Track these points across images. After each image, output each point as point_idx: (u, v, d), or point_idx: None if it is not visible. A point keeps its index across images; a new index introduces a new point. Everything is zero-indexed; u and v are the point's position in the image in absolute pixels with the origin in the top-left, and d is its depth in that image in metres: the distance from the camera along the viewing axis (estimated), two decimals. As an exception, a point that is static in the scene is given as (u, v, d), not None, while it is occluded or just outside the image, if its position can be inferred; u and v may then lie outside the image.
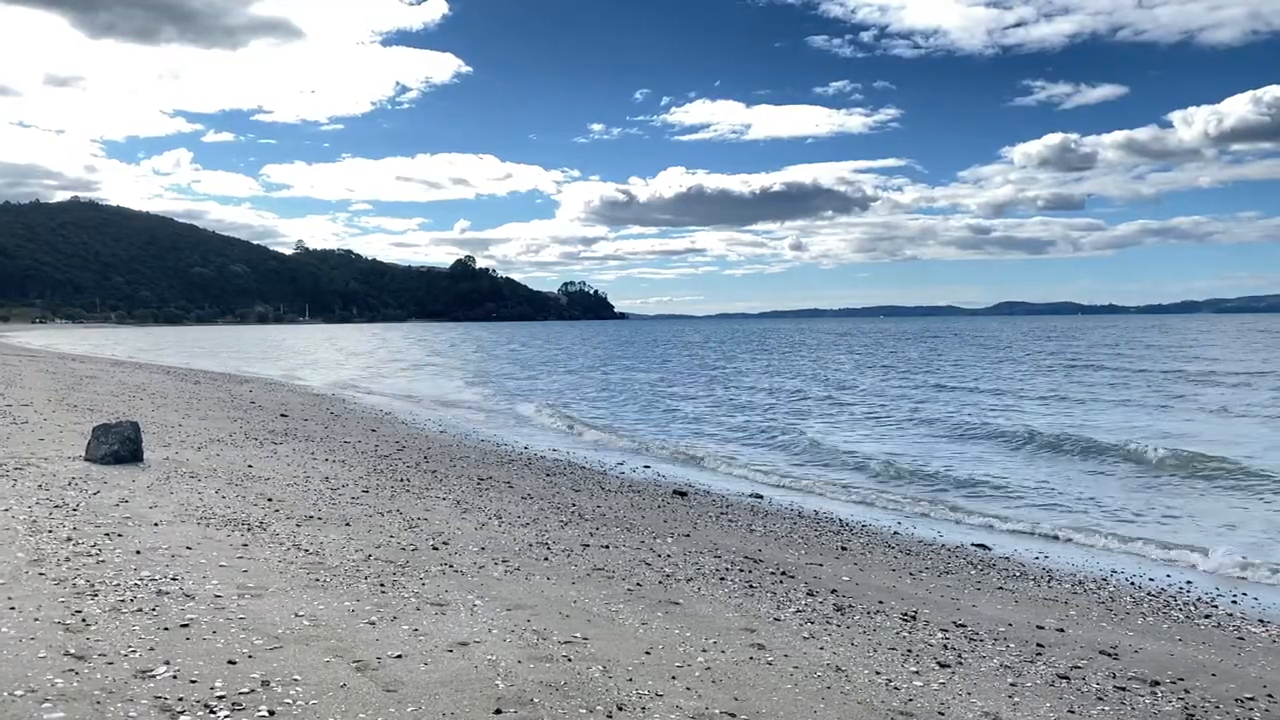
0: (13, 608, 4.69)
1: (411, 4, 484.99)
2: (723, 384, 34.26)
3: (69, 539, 6.19)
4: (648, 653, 4.90)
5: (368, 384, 33.04)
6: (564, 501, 10.30)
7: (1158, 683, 5.32)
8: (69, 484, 8.20)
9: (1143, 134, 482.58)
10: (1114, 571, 8.78)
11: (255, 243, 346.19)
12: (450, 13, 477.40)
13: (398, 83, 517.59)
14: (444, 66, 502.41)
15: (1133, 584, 8.30)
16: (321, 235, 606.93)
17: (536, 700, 4.11)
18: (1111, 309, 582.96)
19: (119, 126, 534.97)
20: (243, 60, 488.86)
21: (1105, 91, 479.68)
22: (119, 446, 9.65)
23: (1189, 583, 8.43)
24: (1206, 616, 7.26)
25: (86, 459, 9.60)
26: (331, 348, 73.41)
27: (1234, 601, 7.83)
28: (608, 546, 7.87)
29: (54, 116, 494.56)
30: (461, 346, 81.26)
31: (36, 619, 4.56)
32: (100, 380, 23.28)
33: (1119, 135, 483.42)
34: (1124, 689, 5.15)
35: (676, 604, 6.08)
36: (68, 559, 5.69)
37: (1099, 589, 8.00)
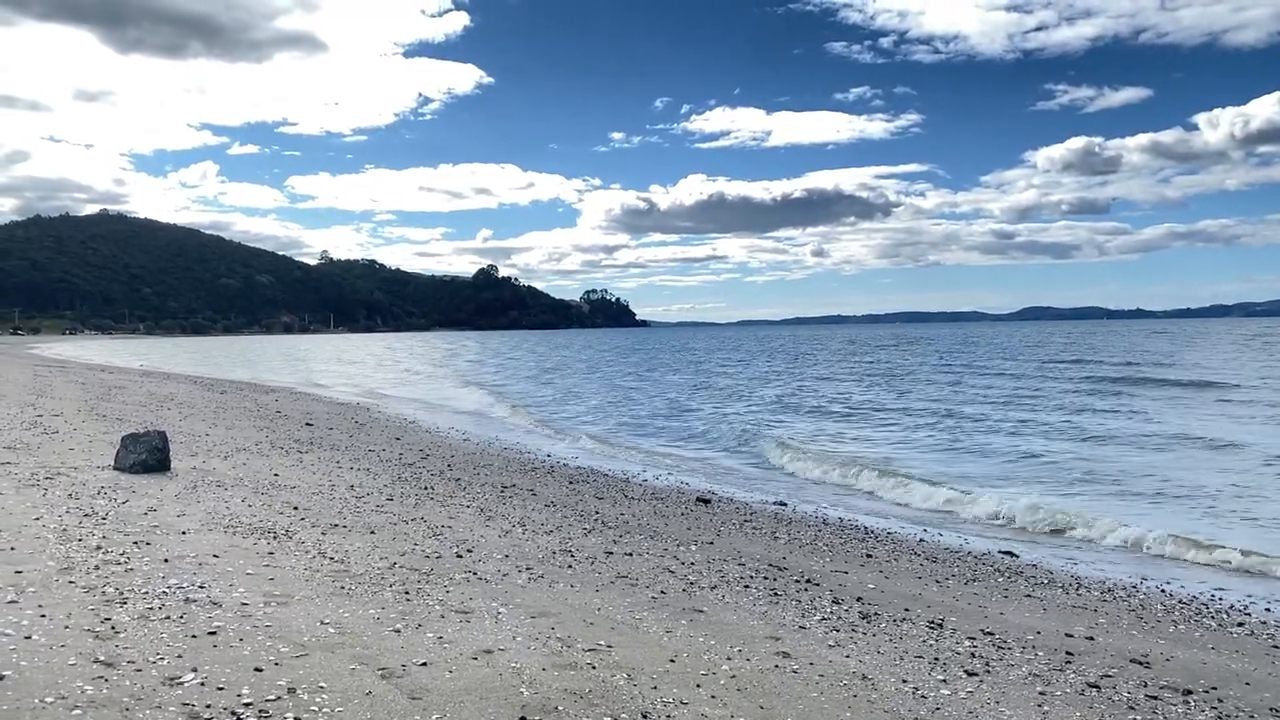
0: (44, 615, 4.74)
1: (433, 16, 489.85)
2: (618, 393, 35.39)
3: (98, 547, 6.25)
4: (672, 661, 4.89)
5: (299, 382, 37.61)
6: (587, 509, 10.30)
7: (1190, 691, 5.24)
8: (98, 493, 8.29)
9: (1167, 137, 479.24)
10: (1144, 579, 8.67)
11: (280, 253, 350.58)
12: (471, 24, 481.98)
13: (420, 94, 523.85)
14: (465, 77, 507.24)
15: (1163, 592, 8.19)
16: (346, 245, 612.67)
17: (561, 708, 4.10)
18: (1139, 313, 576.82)
19: (147, 140, 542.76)
20: (267, 73, 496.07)
21: (1128, 94, 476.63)
22: (147, 456, 9.75)
23: (1220, 591, 8.31)
24: (1240, 625, 7.15)
25: (115, 468, 9.71)
26: (316, 356, 77.40)
27: (1268, 609, 7.70)
28: (631, 554, 7.86)
29: (83, 131, 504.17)
30: (437, 353, 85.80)
31: (67, 626, 4.60)
32: (129, 390, 23.54)
33: (1143, 138, 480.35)
34: (1156, 698, 5.08)
35: (701, 612, 6.05)
36: (97, 567, 5.75)
37: (1129, 596, 7.90)
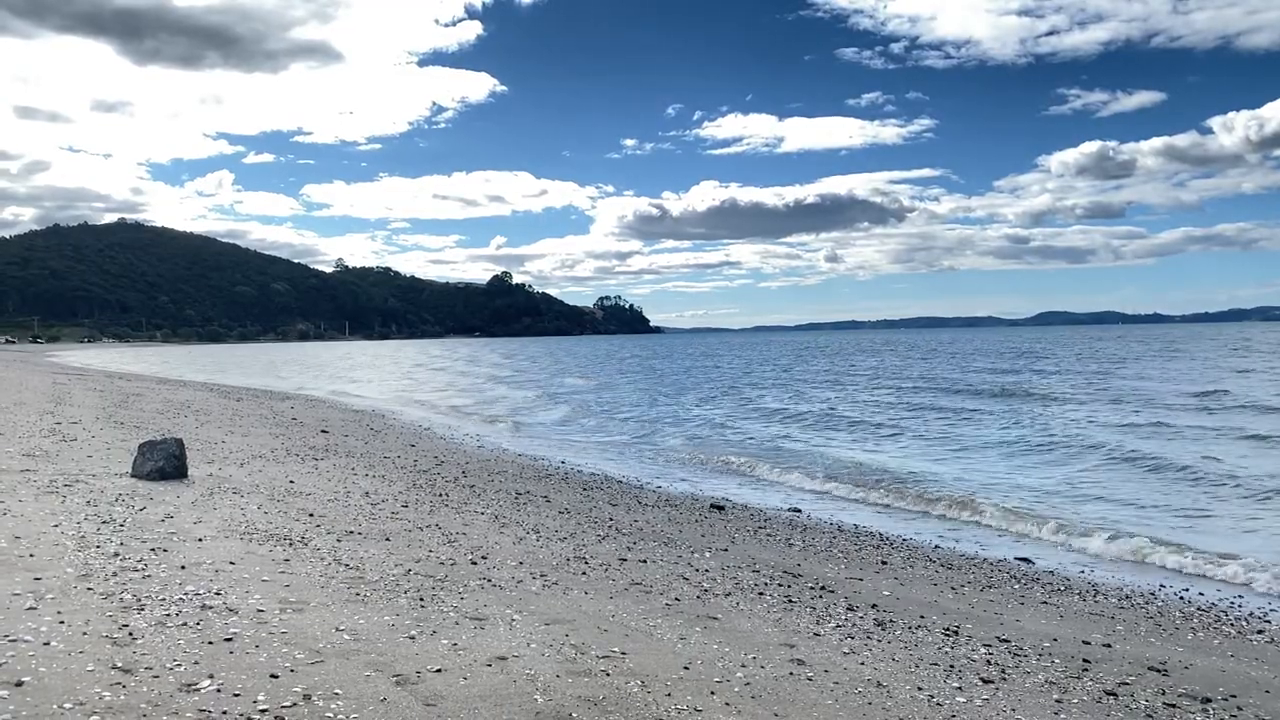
0: (62, 622, 4.78)
1: (446, 25, 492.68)
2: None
3: (116, 554, 6.30)
4: (686, 668, 4.88)
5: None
6: (601, 515, 10.30)
7: (1209, 700, 5.19)
8: (116, 500, 8.35)
9: (1182, 140, 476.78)
10: (1162, 585, 8.60)
11: (296, 261, 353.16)
12: (484, 33, 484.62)
13: (434, 103, 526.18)
14: (479, 86, 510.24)
15: (1181, 599, 8.13)
16: (361, 253, 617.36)
17: (575, 715, 4.10)
18: (1156, 318, 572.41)
19: (164, 150, 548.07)
20: (283, 83, 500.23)
21: (1142, 98, 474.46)
22: (164, 463, 9.82)
23: (1240, 598, 8.24)
24: (1259, 632, 7.08)
25: (133, 475, 9.77)
26: (308, 360, 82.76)
27: (1288, 616, 7.62)
28: (645, 561, 7.86)
29: (102, 141, 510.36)
30: (400, 356, 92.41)
31: (85, 633, 4.64)
32: (146, 398, 23.71)
33: (1158, 142, 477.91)
34: (1174, 706, 5.04)
35: (715, 619, 6.05)
36: (115, 574, 5.79)
37: (1147, 604, 7.84)
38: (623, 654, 5.01)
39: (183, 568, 6.08)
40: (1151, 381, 36.11)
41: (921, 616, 6.69)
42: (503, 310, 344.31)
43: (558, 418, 27.16)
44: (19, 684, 3.94)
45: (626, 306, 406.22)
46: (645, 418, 26.37)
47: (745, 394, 34.94)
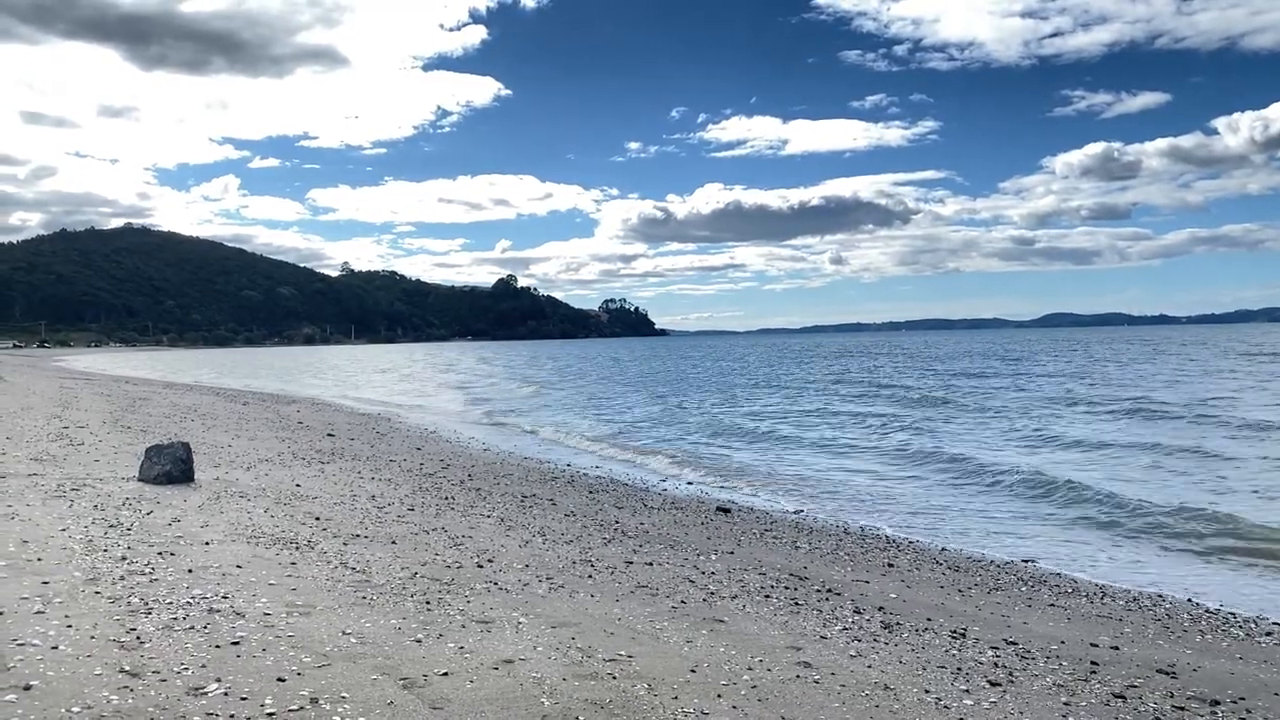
0: (70, 625, 4.79)
1: (451, 30, 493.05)
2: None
3: (123, 558, 6.31)
4: (693, 671, 4.88)
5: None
6: (607, 518, 10.30)
7: (1218, 702, 5.17)
8: (123, 504, 8.37)
9: (1187, 141, 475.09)
10: (1167, 589, 8.57)
11: (302, 265, 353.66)
12: (489, 37, 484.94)
13: (438, 107, 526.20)
14: (483, 90, 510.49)
15: (1190, 601, 8.10)
16: (366, 257, 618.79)
17: (582, 718, 4.10)
18: (1163, 319, 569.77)
19: (170, 155, 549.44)
20: (288, 88, 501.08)
21: (1147, 99, 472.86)
22: (171, 467, 9.84)
23: (1243, 599, 8.20)
24: (1268, 634, 7.06)
25: (140, 479, 9.80)
26: (287, 364, 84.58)
27: (1297, 618, 7.59)
28: (651, 564, 7.85)
29: (108, 146, 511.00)
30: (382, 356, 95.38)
31: (93, 636, 4.65)
32: (153, 402, 23.77)
33: (1162, 143, 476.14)
34: (1182, 709, 5.02)
35: (721, 622, 6.04)
36: (122, 578, 5.81)
37: (1154, 606, 7.81)
38: (629, 657, 5.01)
39: (190, 571, 6.09)
40: (1097, 387, 36.07)
41: (928, 619, 6.67)
42: (508, 313, 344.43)
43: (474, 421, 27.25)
44: (27, 688, 3.95)
45: (631, 309, 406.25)
46: (550, 420, 27.02)
47: (678, 400, 35.32)
